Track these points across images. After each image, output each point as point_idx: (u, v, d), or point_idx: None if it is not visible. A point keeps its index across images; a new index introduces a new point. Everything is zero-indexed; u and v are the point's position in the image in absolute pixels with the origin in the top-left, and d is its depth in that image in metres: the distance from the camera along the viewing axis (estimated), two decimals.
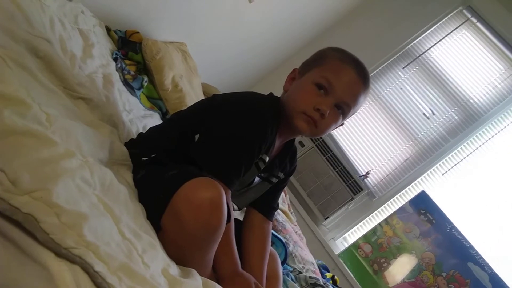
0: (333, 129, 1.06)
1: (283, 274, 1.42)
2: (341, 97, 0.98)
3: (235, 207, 1.17)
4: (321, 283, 1.57)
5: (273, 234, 1.43)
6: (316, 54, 1.08)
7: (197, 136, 0.96)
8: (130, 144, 1.01)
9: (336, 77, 0.98)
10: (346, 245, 3.10)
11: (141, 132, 1.14)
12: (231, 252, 0.91)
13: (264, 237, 1.15)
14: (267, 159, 1.04)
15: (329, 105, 0.97)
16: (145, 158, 0.94)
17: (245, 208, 1.23)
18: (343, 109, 1.00)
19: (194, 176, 0.76)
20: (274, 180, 1.16)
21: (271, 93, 1.11)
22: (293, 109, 0.99)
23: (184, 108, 1.77)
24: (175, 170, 0.82)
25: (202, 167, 0.84)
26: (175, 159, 0.95)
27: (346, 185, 3.03)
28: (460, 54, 3.29)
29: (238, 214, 1.50)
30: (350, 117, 1.08)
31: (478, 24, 3.27)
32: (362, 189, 3.03)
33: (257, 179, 1.12)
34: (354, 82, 1.00)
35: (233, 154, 0.90)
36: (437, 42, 3.31)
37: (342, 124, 1.06)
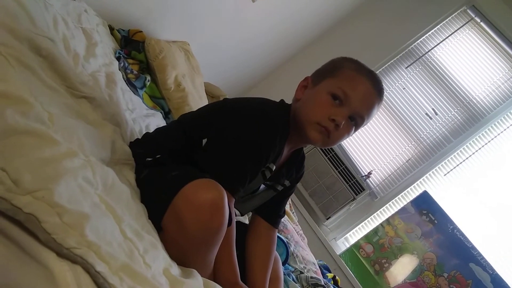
0: (344, 140, 1.05)
1: (284, 274, 1.42)
2: (356, 109, 0.97)
3: (237, 213, 1.16)
4: (323, 283, 1.57)
5: None
6: (330, 64, 1.06)
7: (204, 141, 0.95)
8: (135, 144, 1.01)
9: (352, 89, 0.96)
10: (348, 245, 3.10)
11: (147, 132, 1.13)
12: (230, 261, 0.90)
13: (269, 246, 1.15)
14: (274, 167, 1.03)
15: (344, 116, 0.96)
16: (149, 159, 0.94)
17: (250, 212, 1.22)
18: (357, 120, 1.00)
19: (196, 177, 0.76)
20: (280, 188, 1.15)
21: (282, 100, 1.09)
22: (307, 119, 0.98)
23: (187, 107, 1.79)
24: (177, 171, 0.82)
25: (208, 173, 0.83)
26: (180, 161, 0.94)
27: (348, 185, 3.03)
28: (464, 53, 3.28)
29: (242, 218, 1.50)
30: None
31: (482, 23, 3.26)
32: (364, 189, 3.02)
33: (262, 186, 1.11)
34: (369, 94, 0.99)
35: (240, 162, 0.89)
36: (441, 42, 3.30)
37: (351, 135, 1.05)
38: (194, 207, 0.72)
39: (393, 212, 3.12)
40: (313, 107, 0.98)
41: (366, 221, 3.23)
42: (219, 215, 0.73)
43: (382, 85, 1.03)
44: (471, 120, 3.17)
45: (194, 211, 0.72)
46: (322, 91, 0.98)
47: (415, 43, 3.34)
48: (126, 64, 1.56)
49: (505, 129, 3.13)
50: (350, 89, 0.96)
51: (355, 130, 1.03)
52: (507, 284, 2.69)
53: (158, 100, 1.75)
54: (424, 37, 3.34)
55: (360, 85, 0.98)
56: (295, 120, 1.01)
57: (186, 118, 1.09)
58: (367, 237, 3.03)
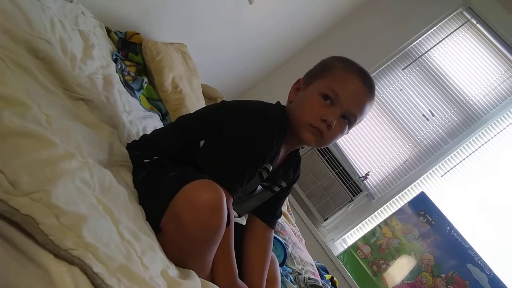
0: (339, 138, 1.06)
1: (282, 276, 1.42)
2: (348, 108, 0.98)
3: (235, 214, 1.17)
4: (320, 284, 1.57)
5: None
6: (320, 64, 1.07)
7: (201, 142, 0.95)
8: (133, 145, 1.02)
9: (342, 88, 0.97)
10: (345, 247, 3.10)
11: (145, 134, 1.13)
12: (229, 261, 0.91)
13: (265, 246, 1.15)
14: (271, 168, 1.03)
15: (336, 115, 0.97)
16: (147, 160, 0.95)
17: (246, 214, 1.22)
18: (349, 119, 1.00)
19: (195, 178, 0.76)
20: (276, 189, 1.16)
21: (278, 102, 1.10)
22: (300, 121, 0.99)
23: (184, 109, 1.79)
24: (176, 172, 0.82)
25: (206, 173, 0.83)
26: (178, 162, 0.95)
27: (345, 186, 3.03)
28: (460, 55, 3.30)
29: (240, 219, 1.50)
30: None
31: (478, 25, 3.27)
32: (361, 191, 3.02)
33: (259, 187, 1.12)
34: (360, 92, 0.99)
35: (238, 162, 0.90)
36: (437, 44, 3.31)
37: (347, 133, 1.06)
38: (194, 208, 0.72)
39: (390, 213, 3.12)
40: (305, 109, 1.00)
41: (363, 222, 3.23)
42: (218, 215, 0.74)
43: (373, 82, 1.03)
44: (467, 121, 3.18)
45: (194, 212, 0.72)
46: (313, 92, 1.00)
47: (412, 45, 3.35)
48: (123, 66, 1.56)
49: (501, 130, 3.14)
50: (340, 89, 0.97)
51: (349, 128, 1.03)
52: (504, 285, 2.70)
53: (155, 102, 1.75)
54: (420, 38, 3.35)
55: (350, 83, 0.99)
56: (289, 122, 1.02)
57: (184, 120, 1.10)
58: (365, 238, 3.04)
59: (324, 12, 3.16)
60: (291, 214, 2.45)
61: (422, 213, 3.00)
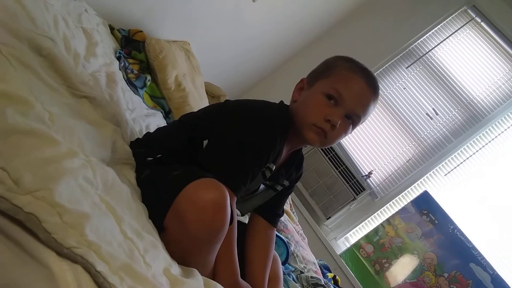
0: (342, 138, 1.05)
1: (285, 274, 1.42)
2: (352, 108, 0.98)
3: (238, 213, 1.17)
4: (323, 283, 1.57)
5: None
6: (324, 64, 1.07)
7: (205, 142, 0.95)
8: (136, 143, 1.02)
9: (346, 88, 0.97)
10: (348, 245, 3.10)
11: (148, 132, 1.13)
12: (231, 260, 0.91)
13: (267, 244, 1.15)
14: (274, 167, 1.04)
15: (340, 116, 0.97)
16: (150, 158, 0.94)
17: (249, 212, 1.22)
18: (353, 119, 1.00)
19: (198, 177, 0.76)
20: (279, 188, 1.16)
21: (281, 101, 1.10)
22: (303, 121, 0.99)
23: (187, 107, 1.79)
24: (179, 171, 0.82)
25: (210, 172, 0.83)
26: (181, 161, 0.95)
27: (348, 185, 3.03)
28: (464, 54, 3.28)
29: (242, 218, 1.50)
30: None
31: (483, 23, 3.26)
32: (364, 189, 3.02)
33: (262, 186, 1.12)
34: (364, 92, 0.99)
35: (242, 160, 0.90)
36: (441, 42, 3.29)
37: (350, 133, 1.06)
38: (197, 207, 0.72)
39: (393, 212, 3.12)
40: (309, 109, 0.99)
41: (366, 221, 3.23)
42: (221, 214, 0.73)
43: (377, 82, 1.03)
44: (471, 120, 3.17)
45: (197, 211, 0.72)
46: (317, 92, 0.99)
47: (416, 43, 3.34)
48: (127, 64, 1.56)
49: (505, 129, 3.12)
50: (344, 89, 0.97)
51: (353, 128, 1.03)
52: (507, 284, 2.69)
53: (159, 99, 1.75)
54: (424, 37, 3.34)
55: (354, 84, 0.98)
56: (293, 121, 1.02)
57: (187, 118, 1.09)
58: (368, 237, 3.03)
59: (326, 10, 3.15)
60: (293, 213, 2.45)
61: (425, 212, 2.99)
